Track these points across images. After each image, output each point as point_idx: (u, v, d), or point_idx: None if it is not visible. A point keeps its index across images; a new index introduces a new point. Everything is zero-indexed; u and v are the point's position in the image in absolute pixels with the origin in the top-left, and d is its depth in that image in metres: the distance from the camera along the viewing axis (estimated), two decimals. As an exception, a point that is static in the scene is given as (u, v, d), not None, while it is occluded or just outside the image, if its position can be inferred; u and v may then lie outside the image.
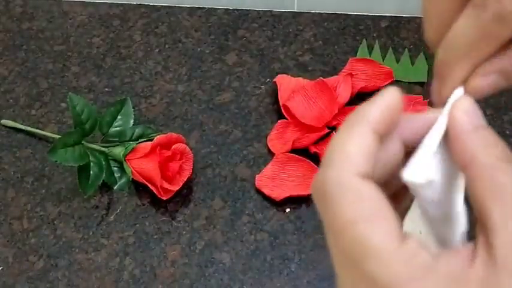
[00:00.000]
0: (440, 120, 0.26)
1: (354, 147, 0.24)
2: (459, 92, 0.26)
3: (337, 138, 0.25)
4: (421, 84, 0.70)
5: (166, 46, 0.75)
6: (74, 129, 0.62)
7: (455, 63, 0.26)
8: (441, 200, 0.26)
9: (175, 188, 0.60)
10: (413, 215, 0.27)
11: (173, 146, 0.60)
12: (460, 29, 0.25)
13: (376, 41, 0.74)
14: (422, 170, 0.24)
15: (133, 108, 0.66)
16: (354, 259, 0.23)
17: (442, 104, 0.26)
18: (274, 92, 0.69)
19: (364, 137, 0.24)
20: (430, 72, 0.71)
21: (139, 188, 0.63)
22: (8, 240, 0.60)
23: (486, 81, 0.25)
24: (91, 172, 0.61)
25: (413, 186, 0.25)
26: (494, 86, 0.25)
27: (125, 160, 0.61)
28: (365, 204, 0.23)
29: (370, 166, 0.24)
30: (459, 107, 0.25)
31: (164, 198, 0.60)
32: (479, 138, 0.24)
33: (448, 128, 0.25)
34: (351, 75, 0.67)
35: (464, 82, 0.26)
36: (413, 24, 0.76)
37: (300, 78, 0.69)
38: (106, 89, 0.71)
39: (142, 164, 0.59)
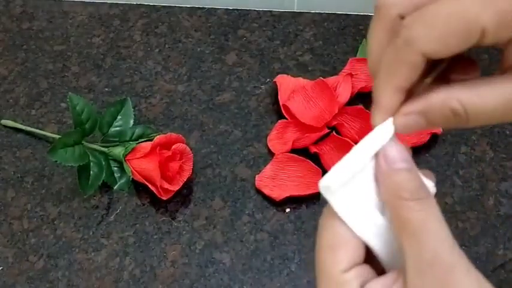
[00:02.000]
0: (365, 143, 0.28)
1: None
2: (388, 122, 0.28)
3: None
4: (421, 84, 0.70)
5: (166, 46, 0.75)
6: (74, 129, 0.62)
7: (380, 89, 0.28)
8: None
9: (175, 188, 0.60)
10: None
11: (173, 146, 0.60)
12: (383, 57, 0.27)
13: (376, 41, 0.74)
14: (328, 179, 0.27)
15: (133, 108, 0.66)
16: None
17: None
18: (274, 92, 0.69)
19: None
20: (430, 72, 0.71)
21: (139, 188, 0.63)
22: (8, 240, 0.60)
23: (407, 120, 0.27)
24: (91, 172, 0.61)
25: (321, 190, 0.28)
26: (416, 126, 0.27)
27: (124, 160, 0.61)
28: None
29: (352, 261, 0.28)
30: (381, 151, 0.27)
31: (164, 198, 0.60)
32: (392, 182, 0.26)
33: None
34: (351, 75, 0.67)
35: (394, 111, 0.28)
36: (414, 24, 0.76)
37: (300, 78, 0.69)
38: (106, 89, 0.71)
39: (142, 164, 0.59)
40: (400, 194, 0.26)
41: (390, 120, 0.28)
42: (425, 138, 0.64)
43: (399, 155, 0.27)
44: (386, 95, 0.27)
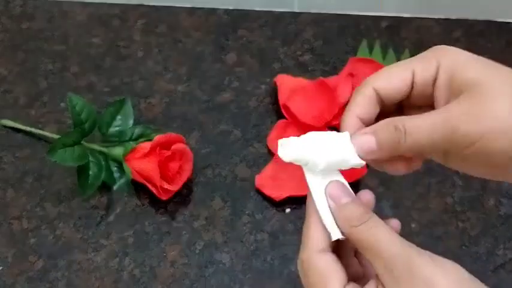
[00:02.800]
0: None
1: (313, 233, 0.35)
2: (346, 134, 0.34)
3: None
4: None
5: (166, 46, 0.75)
6: (73, 129, 0.62)
7: (343, 115, 0.36)
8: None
9: (175, 188, 0.60)
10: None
11: (173, 146, 0.60)
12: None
13: (377, 41, 0.74)
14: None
15: (133, 108, 0.66)
16: None
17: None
18: (274, 92, 0.69)
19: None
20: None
21: (139, 188, 0.62)
22: (8, 240, 0.60)
23: (361, 138, 0.34)
24: (90, 172, 0.61)
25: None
26: (368, 146, 0.34)
27: (124, 160, 0.61)
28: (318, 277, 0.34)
29: (326, 244, 0.34)
30: (326, 191, 0.34)
31: (164, 199, 0.60)
32: (343, 216, 0.33)
33: None
34: (351, 75, 0.67)
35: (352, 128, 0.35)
36: (414, 24, 0.76)
37: (300, 78, 0.69)
38: (106, 89, 0.71)
39: (142, 164, 0.59)
40: (350, 223, 0.33)
41: (346, 133, 0.35)
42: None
43: (341, 192, 0.34)
44: (347, 119, 0.35)
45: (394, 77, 0.34)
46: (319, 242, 0.34)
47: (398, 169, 0.35)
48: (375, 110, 0.35)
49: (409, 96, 0.35)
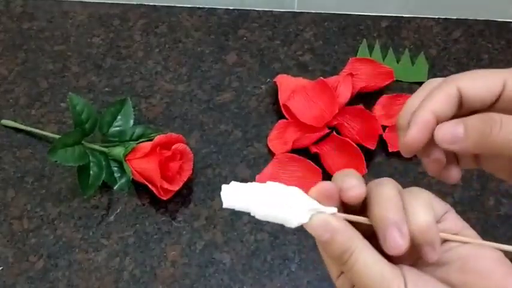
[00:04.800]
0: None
1: None
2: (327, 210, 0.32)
3: None
4: (421, 84, 0.70)
5: (166, 46, 0.75)
6: (73, 129, 0.62)
7: (419, 109, 0.33)
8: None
9: (175, 188, 0.60)
10: None
11: (173, 146, 0.60)
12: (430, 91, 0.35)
13: (377, 41, 0.74)
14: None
15: (134, 108, 0.66)
16: None
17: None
18: (274, 92, 0.69)
19: None
20: (430, 72, 0.71)
21: (139, 188, 0.63)
22: (8, 240, 0.60)
23: (447, 127, 0.32)
24: (91, 172, 0.61)
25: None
26: (454, 135, 0.32)
27: (124, 160, 0.61)
28: None
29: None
30: (309, 228, 0.33)
31: (164, 199, 0.60)
32: (328, 252, 0.31)
33: None
34: (351, 75, 0.67)
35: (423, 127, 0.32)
36: (414, 24, 0.76)
37: (300, 78, 0.69)
38: (106, 89, 0.71)
39: (142, 164, 0.59)
40: (338, 259, 0.31)
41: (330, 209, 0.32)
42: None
43: (322, 228, 0.31)
44: (422, 112, 0.32)
45: (483, 82, 0.32)
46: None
47: (454, 175, 0.34)
48: (451, 111, 0.32)
49: (492, 106, 0.32)
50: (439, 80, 0.34)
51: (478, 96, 0.32)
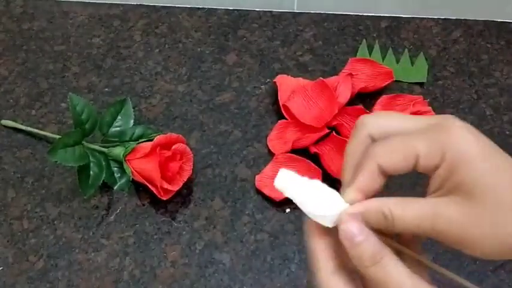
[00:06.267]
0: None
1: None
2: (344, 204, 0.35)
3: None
4: (421, 84, 0.70)
5: (166, 46, 0.75)
6: (74, 130, 0.62)
7: (346, 188, 0.36)
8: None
9: (175, 188, 0.60)
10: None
11: (173, 146, 0.60)
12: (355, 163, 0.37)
13: (376, 41, 0.74)
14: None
15: (134, 108, 0.66)
16: None
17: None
18: (274, 92, 0.69)
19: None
20: (430, 72, 0.71)
21: (139, 188, 0.63)
22: (8, 240, 0.60)
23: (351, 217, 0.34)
24: (91, 172, 0.61)
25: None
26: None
27: (125, 160, 0.61)
28: None
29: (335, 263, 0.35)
30: (341, 227, 0.34)
31: (164, 199, 0.60)
32: (355, 255, 0.33)
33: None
34: (351, 75, 0.67)
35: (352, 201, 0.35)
36: (413, 24, 0.76)
37: (300, 78, 0.69)
38: (106, 89, 0.71)
39: (142, 164, 0.59)
40: (363, 263, 0.33)
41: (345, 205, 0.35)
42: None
43: (357, 230, 0.33)
44: (352, 193, 0.35)
45: (397, 157, 0.34)
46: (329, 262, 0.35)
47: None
48: (378, 184, 0.35)
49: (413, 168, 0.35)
50: (370, 117, 0.36)
51: (398, 170, 0.35)
